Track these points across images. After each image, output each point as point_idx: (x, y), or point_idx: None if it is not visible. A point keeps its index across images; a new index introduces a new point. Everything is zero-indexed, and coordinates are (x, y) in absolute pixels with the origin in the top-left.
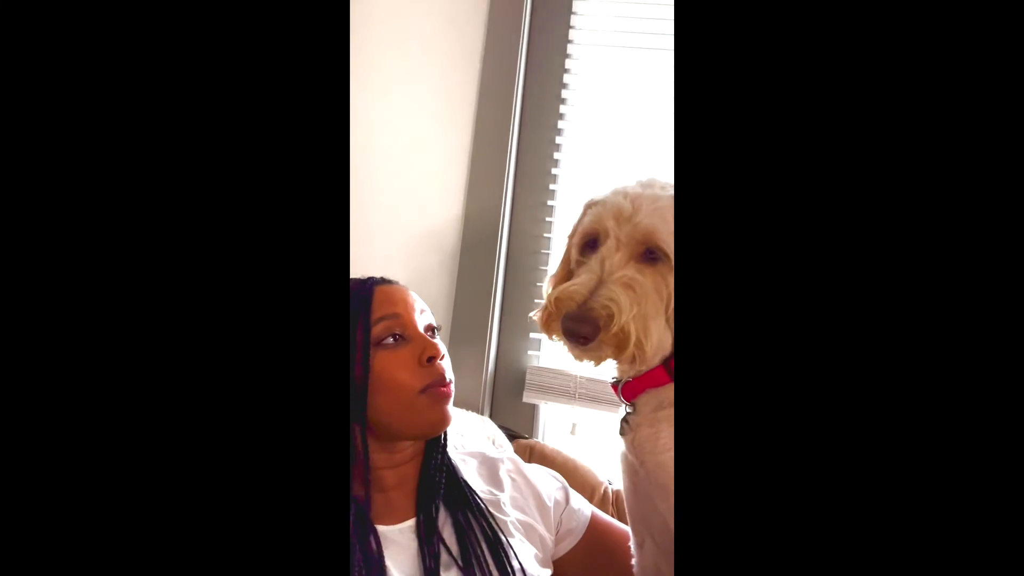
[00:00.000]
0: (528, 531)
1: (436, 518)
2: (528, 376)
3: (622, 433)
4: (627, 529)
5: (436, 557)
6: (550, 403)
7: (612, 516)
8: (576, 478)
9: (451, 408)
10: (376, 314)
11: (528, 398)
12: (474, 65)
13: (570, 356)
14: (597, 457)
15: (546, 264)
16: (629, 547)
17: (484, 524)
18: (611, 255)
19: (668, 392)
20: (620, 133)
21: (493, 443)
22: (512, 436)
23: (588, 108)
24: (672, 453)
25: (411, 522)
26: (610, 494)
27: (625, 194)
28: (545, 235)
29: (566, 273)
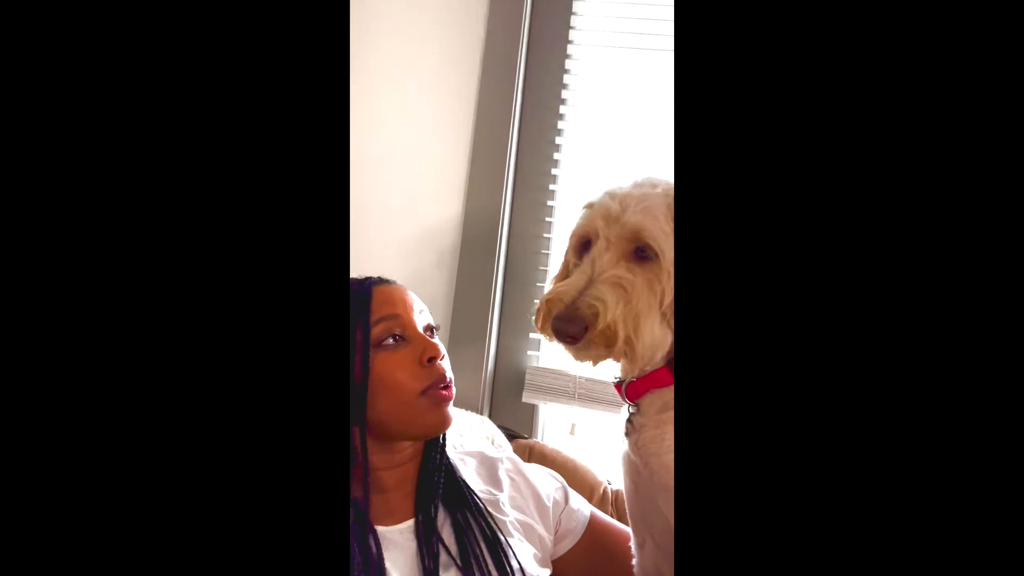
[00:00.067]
0: (527, 531)
1: (435, 518)
2: (527, 376)
3: (626, 434)
4: (627, 529)
5: (435, 557)
6: (549, 403)
7: (611, 516)
8: (575, 478)
9: (451, 408)
10: (375, 315)
11: (527, 398)
12: (474, 65)
13: (569, 356)
14: (597, 457)
15: (546, 264)
16: (629, 547)
17: (483, 524)
18: (601, 255)
19: (672, 393)
20: (620, 133)
21: (492, 443)
22: (511, 436)
23: (588, 108)
24: None
25: (410, 523)
26: (609, 494)
27: (613, 195)
28: (545, 235)
29: (565, 275)
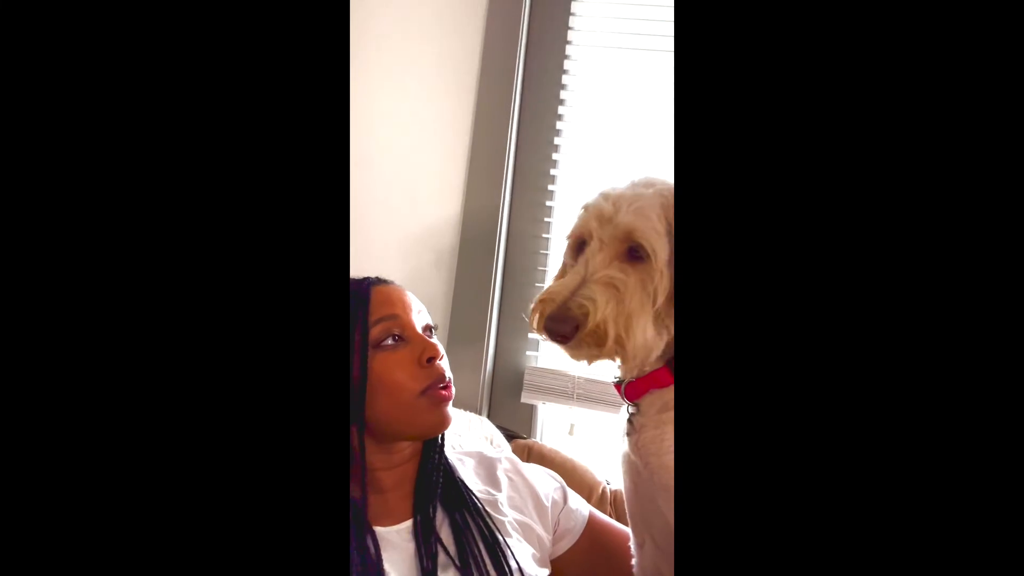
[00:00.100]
0: (525, 531)
1: (433, 519)
2: (526, 376)
3: (626, 434)
4: (625, 529)
5: (433, 557)
6: (548, 403)
7: (610, 516)
8: (574, 478)
9: (450, 408)
10: (374, 315)
11: (526, 398)
12: (473, 64)
13: (567, 356)
14: (595, 457)
15: (544, 264)
16: (627, 547)
17: (481, 524)
18: (594, 256)
19: (673, 393)
20: (618, 133)
21: (491, 443)
22: (510, 436)
23: (586, 108)
24: None
25: (408, 523)
26: (608, 494)
27: (607, 196)
28: (543, 235)
29: (563, 277)
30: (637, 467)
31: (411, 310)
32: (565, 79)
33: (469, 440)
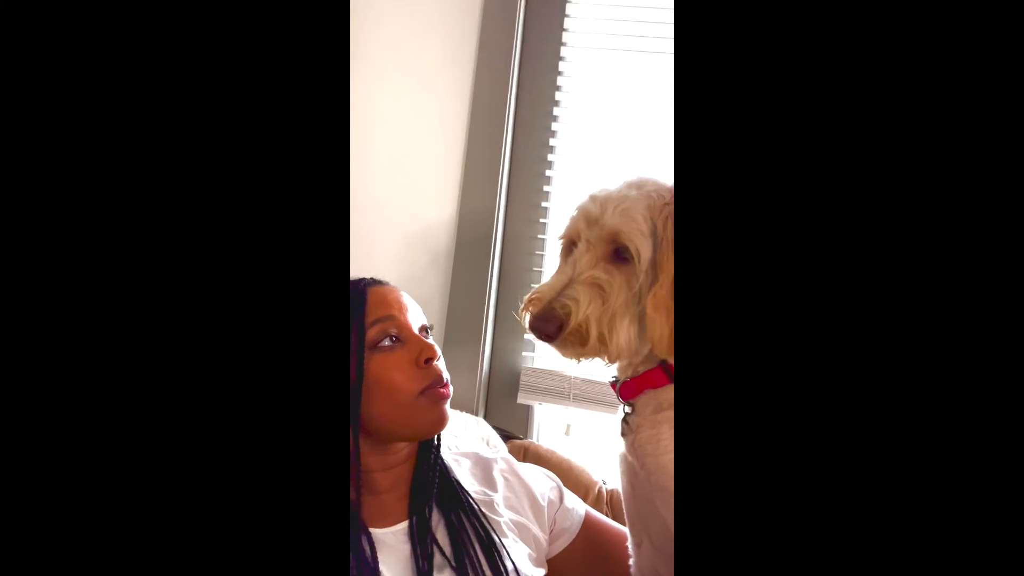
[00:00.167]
0: (522, 531)
1: (429, 520)
2: (522, 377)
3: (623, 434)
4: (622, 528)
5: (429, 559)
6: (544, 404)
7: (607, 515)
8: (571, 478)
9: (447, 408)
10: (371, 316)
11: (522, 399)
12: (468, 66)
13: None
14: (591, 457)
15: (540, 265)
16: (624, 546)
17: (477, 525)
18: (581, 257)
19: (668, 393)
20: (613, 134)
21: (487, 444)
22: (506, 437)
23: (581, 109)
24: (673, 455)
25: (404, 525)
26: (604, 493)
27: (595, 198)
28: (539, 236)
29: None
30: (634, 468)
31: (407, 311)
32: (560, 80)
33: (465, 441)
